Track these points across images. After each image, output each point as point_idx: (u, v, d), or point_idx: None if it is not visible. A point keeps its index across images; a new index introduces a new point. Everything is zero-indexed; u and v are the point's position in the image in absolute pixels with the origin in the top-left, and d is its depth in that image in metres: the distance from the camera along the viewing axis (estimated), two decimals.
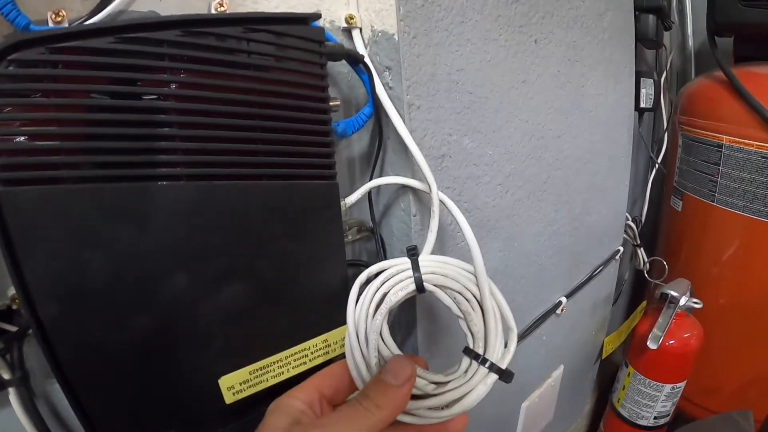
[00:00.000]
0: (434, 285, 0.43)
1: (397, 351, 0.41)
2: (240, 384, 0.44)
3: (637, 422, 1.11)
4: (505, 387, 0.80)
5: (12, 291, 0.39)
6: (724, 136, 1.03)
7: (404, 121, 0.49)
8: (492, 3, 0.57)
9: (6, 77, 0.31)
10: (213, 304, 0.41)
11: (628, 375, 1.09)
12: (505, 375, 0.40)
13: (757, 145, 0.97)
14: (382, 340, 0.41)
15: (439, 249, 0.57)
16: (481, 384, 0.39)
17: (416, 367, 0.38)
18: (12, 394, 0.40)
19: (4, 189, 0.31)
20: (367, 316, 0.41)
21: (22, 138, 0.32)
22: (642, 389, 1.06)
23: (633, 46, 0.96)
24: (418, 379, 0.38)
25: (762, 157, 0.97)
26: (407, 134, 0.48)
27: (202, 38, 0.36)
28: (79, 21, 0.36)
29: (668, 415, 1.09)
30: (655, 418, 1.08)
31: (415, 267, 0.44)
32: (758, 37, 1.09)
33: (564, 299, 0.86)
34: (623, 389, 1.11)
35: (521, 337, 0.77)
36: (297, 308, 0.47)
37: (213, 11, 0.42)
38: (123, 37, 0.33)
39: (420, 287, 0.43)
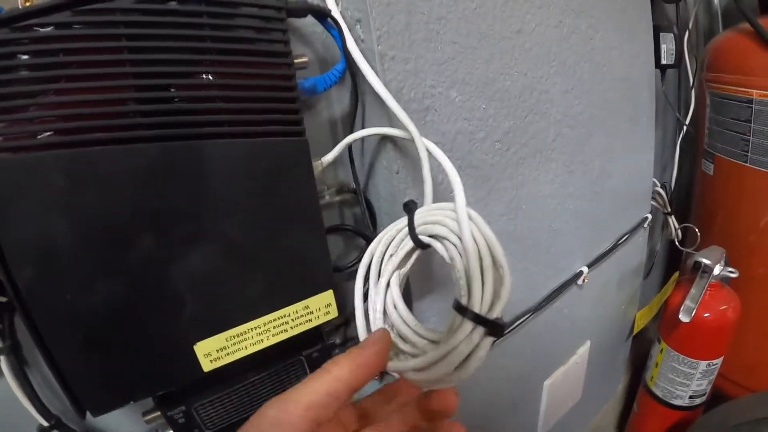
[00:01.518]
0: (428, 236, 0.40)
1: (409, 316, 0.40)
2: (217, 351, 0.43)
3: (671, 402, 1.04)
4: (524, 363, 0.77)
5: None
6: (754, 91, 0.95)
7: (377, 73, 0.46)
8: None
9: None
10: (182, 267, 0.40)
11: (661, 351, 1.02)
12: (492, 327, 0.34)
13: None
14: (394, 305, 0.40)
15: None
16: (464, 341, 0.34)
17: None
18: (3, 362, 0.42)
19: None
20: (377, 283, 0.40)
21: None
22: (676, 366, 1.00)
23: None
24: (416, 339, 0.37)
25: None
26: (380, 85, 0.45)
27: (153, 3, 0.36)
28: None
29: (704, 394, 1.02)
30: (690, 397, 1.02)
31: (410, 221, 0.42)
32: None
33: (585, 269, 0.80)
34: (656, 367, 1.04)
35: (537, 309, 0.72)
36: (272, 272, 0.45)
37: None
38: (79, 10, 0.34)
39: (418, 242, 0.40)
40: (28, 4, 0.37)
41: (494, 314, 0.34)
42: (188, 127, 0.38)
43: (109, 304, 0.38)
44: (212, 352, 0.43)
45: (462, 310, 0.34)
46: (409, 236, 0.42)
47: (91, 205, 0.36)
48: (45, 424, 0.45)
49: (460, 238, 0.36)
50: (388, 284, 0.42)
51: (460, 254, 0.36)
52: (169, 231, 0.39)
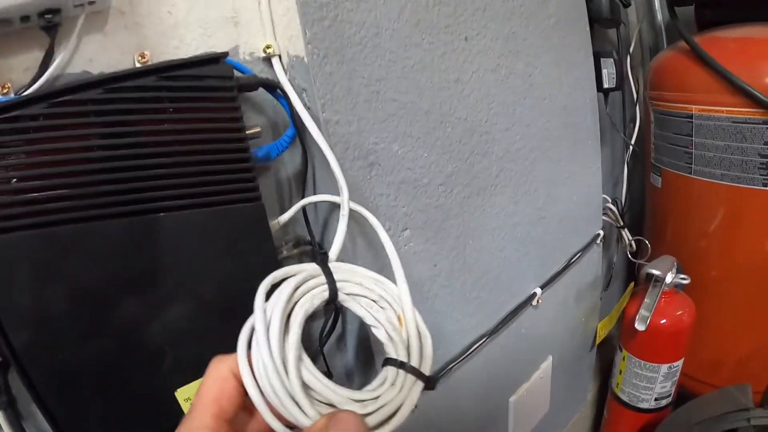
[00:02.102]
0: (345, 293, 0.42)
1: (320, 376, 0.36)
2: None
3: (638, 406, 1.09)
4: (487, 383, 0.81)
5: None
6: (694, 106, 1.02)
7: (324, 138, 0.50)
8: (410, 9, 0.58)
9: None
10: (161, 325, 0.44)
11: (623, 359, 1.07)
12: (429, 382, 0.39)
13: (726, 110, 0.97)
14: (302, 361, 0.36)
15: (374, 257, 0.57)
16: (412, 393, 0.38)
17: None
18: (0, 417, 0.44)
19: None
20: (280, 332, 0.35)
21: None
22: (638, 372, 1.05)
23: (586, 28, 0.96)
24: (338, 398, 0.35)
25: (733, 122, 0.96)
26: (327, 150, 0.49)
27: (120, 92, 0.41)
28: (23, 89, 0.41)
29: (669, 395, 1.08)
30: (656, 399, 1.07)
31: (327, 272, 0.42)
32: (715, 2, 1.09)
33: (539, 290, 0.85)
34: (620, 374, 1.10)
35: (494, 333, 0.77)
36: (240, 319, 0.48)
37: (137, 64, 0.45)
38: (54, 102, 0.39)
39: (333, 295, 0.41)
40: (5, 91, 0.40)
41: (427, 370, 0.40)
42: (151, 202, 0.42)
43: (96, 360, 0.41)
44: (191, 396, 0.46)
45: (397, 364, 0.39)
46: (323, 286, 0.41)
47: (72, 275, 0.40)
48: None
49: (390, 305, 0.42)
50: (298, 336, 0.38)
51: (386, 317, 0.41)
52: (144, 293, 0.43)
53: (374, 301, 0.42)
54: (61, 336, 0.40)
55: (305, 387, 0.34)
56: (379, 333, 0.41)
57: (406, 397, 0.38)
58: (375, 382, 0.39)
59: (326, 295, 0.41)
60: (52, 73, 0.41)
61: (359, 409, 0.35)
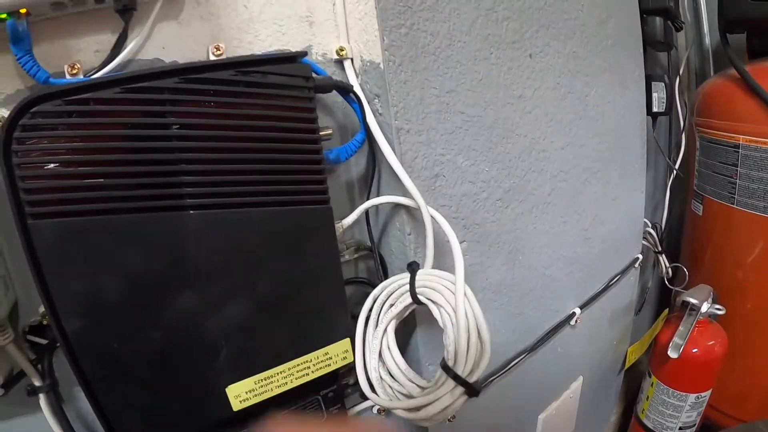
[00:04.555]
0: (426, 298, 0.46)
1: (401, 360, 0.46)
2: (246, 393, 0.47)
3: None
4: (520, 398, 0.81)
5: (42, 309, 0.44)
6: (741, 136, 1.01)
7: (394, 145, 0.51)
8: (481, 23, 0.58)
9: (30, 127, 0.35)
10: (218, 320, 0.45)
11: (652, 385, 1.07)
12: (470, 389, 0.42)
13: None
14: (389, 349, 0.46)
15: (438, 265, 0.57)
16: (447, 395, 0.42)
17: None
18: (42, 400, 0.46)
19: (34, 222, 0.36)
20: (375, 328, 0.46)
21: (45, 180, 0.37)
22: (666, 399, 1.04)
23: (641, 50, 0.96)
24: (405, 381, 0.44)
25: None
26: (394, 158, 0.50)
27: (197, 84, 0.40)
28: (93, 71, 0.41)
29: (694, 425, 1.06)
30: (680, 428, 1.06)
31: (412, 281, 0.47)
32: None
33: (578, 310, 0.85)
34: (647, 399, 1.09)
35: (532, 350, 0.77)
36: (297, 323, 0.49)
37: (211, 56, 0.46)
38: (128, 87, 0.38)
39: (415, 299, 0.47)
40: (74, 71, 0.40)
41: (473, 379, 0.42)
42: (220, 197, 0.42)
43: (150, 352, 0.42)
44: (242, 393, 0.47)
45: (447, 370, 0.41)
46: (408, 293, 0.48)
47: (132, 265, 0.40)
48: None
49: (454, 311, 0.43)
50: (385, 330, 0.49)
51: (452, 323, 0.43)
52: (207, 288, 0.43)
53: (441, 305, 0.44)
54: (116, 325, 0.40)
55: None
56: (447, 340, 0.43)
57: (440, 397, 0.42)
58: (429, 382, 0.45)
59: (409, 300, 0.48)
60: (124, 57, 0.41)
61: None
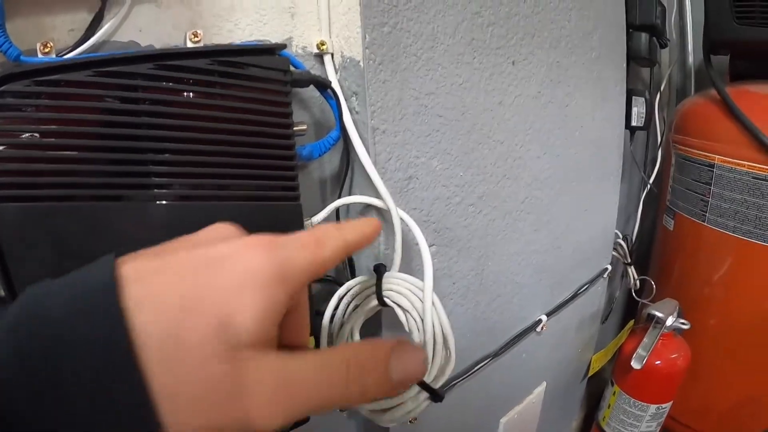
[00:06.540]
0: (392, 301, 0.46)
1: None
2: None
3: None
4: (483, 402, 0.82)
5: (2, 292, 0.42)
6: (717, 156, 1.02)
7: (368, 145, 0.50)
8: (465, 27, 0.58)
9: None
10: None
11: (614, 394, 1.08)
12: (434, 394, 0.42)
13: (748, 165, 0.97)
14: None
15: (406, 267, 0.57)
16: (410, 399, 0.42)
17: None
18: None
19: None
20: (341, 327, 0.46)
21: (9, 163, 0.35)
22: (627, 408, 1.06)
23: (624, 64, 0.97)
24: None
25: (753, 178, 0.96)
26: (367, 158, 0.50)
27: (172, 71, 0.39)
28: (66, 51, 0.39)
29: None
30: None
31: (378, 283, 0.47)
32: (753, 55, 1.09)
33: (545, 317, 0.86)
34: (608, 408, 1.11)
35: (497, 355, 0.77)
36: None
37: (188, 42, 0.45)
38: (100, 71, 0.36)
39: (381, 301, 0.47)
40: (47, 50, 0.39)
41: (437, 385, 0.43)
42: (189, 188, 0.41)
43: None
44: None
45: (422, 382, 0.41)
46: (374, 294, 0.48)
47: (101, 253, 0.38)
48: None
49: (421, 318, 0.43)
50: (351, 330, 0.49)
51: (417, 329, 0.43)
52: None
53: (407, 310, 0.44)
54: None
55: None
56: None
57: (415, 408, 0.42)
58: None
59: (375, 302, 0.48)
60: (98, 38, 0.40)
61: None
